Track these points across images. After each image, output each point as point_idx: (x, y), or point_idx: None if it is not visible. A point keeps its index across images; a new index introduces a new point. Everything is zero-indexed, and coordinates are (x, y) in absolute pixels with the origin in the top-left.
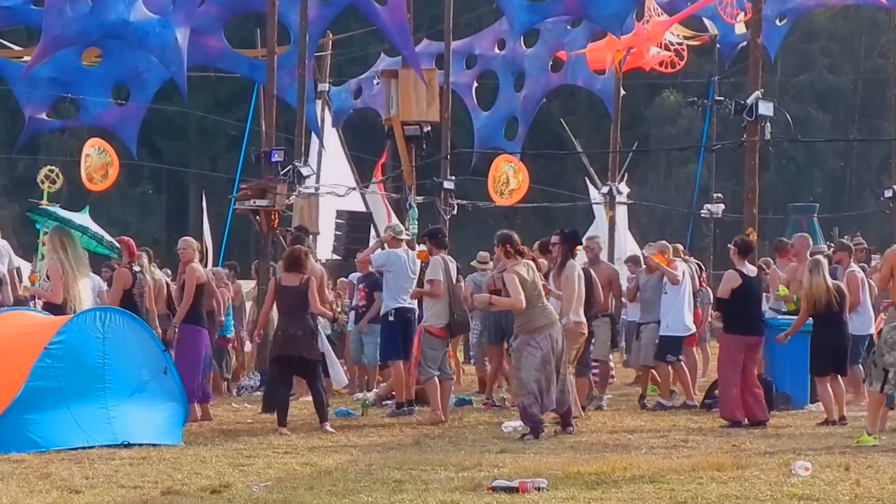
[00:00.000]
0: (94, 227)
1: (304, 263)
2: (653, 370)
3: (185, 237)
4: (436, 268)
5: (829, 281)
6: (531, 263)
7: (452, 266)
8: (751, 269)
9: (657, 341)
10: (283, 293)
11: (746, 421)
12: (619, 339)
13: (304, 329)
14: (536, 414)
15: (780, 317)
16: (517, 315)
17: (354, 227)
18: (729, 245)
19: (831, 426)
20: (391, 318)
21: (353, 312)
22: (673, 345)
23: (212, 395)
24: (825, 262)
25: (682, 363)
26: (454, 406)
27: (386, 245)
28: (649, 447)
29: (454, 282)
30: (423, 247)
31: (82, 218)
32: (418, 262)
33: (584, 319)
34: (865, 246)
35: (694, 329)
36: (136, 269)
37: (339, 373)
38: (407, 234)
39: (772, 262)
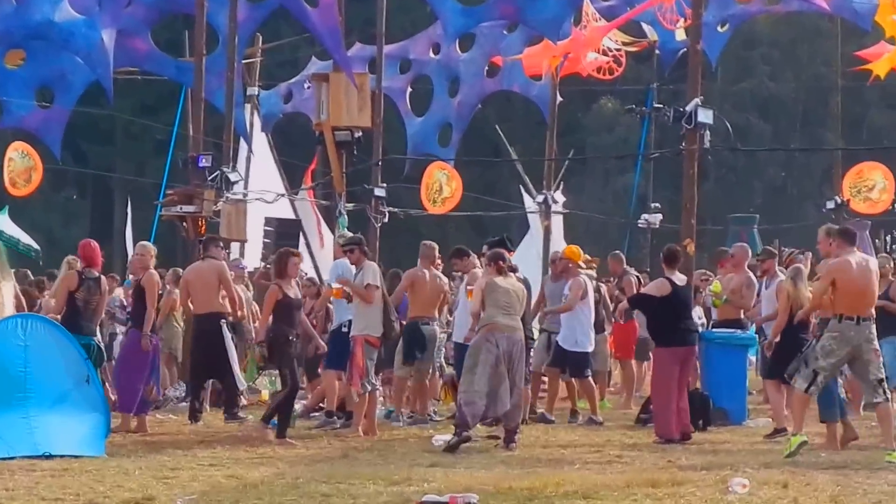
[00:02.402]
0: (11, 230)
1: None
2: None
3: (143, 242)
4: (375, 273)
5: (808, 289)
6: (511, 278)
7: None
8: (680, 278)
9: (565, 354)
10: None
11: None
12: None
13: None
14: (467, 416)
15: (714, 330)
16: (480, 317)
17: (283, 235)
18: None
19: (778, 436)
20: (345, 330)
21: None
22: (587, 360)
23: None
24: (805, 270)
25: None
26: (383, 418)
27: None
28: (583, 462)
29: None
30: (335, 284)
31: (1, 220)
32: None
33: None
34: (797, 252)
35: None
36: (91, 275)
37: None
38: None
39: (711, 274)
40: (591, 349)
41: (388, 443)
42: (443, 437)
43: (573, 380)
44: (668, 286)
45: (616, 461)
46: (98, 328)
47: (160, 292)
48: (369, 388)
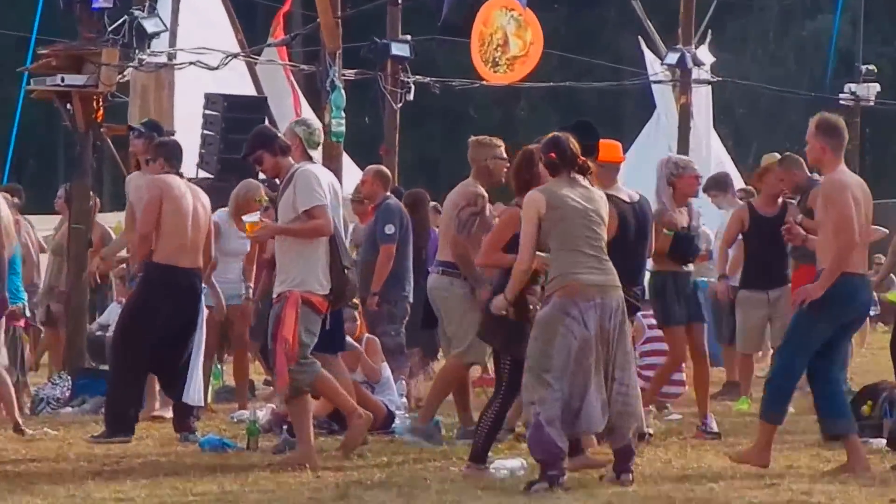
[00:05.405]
0: None
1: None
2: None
3: None
4: (309, 188)
5: None
6: (586, 186)
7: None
8: None
9: None
10: None
11: None
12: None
13: None
14: (555, 441)
15: None
16: (550, 265)
17: (236, 124)
18: None
19: None
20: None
21: None
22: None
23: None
24: None
25: None
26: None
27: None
28: None
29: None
30: (254, 217)
31: None
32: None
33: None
34: None
35: None
36: None
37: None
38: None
39: None
40: None
41: (417, 472)
42: (507, 464)
43: None
44: None
45: (804, 501)
46: None
47: None
48: (309, 376)
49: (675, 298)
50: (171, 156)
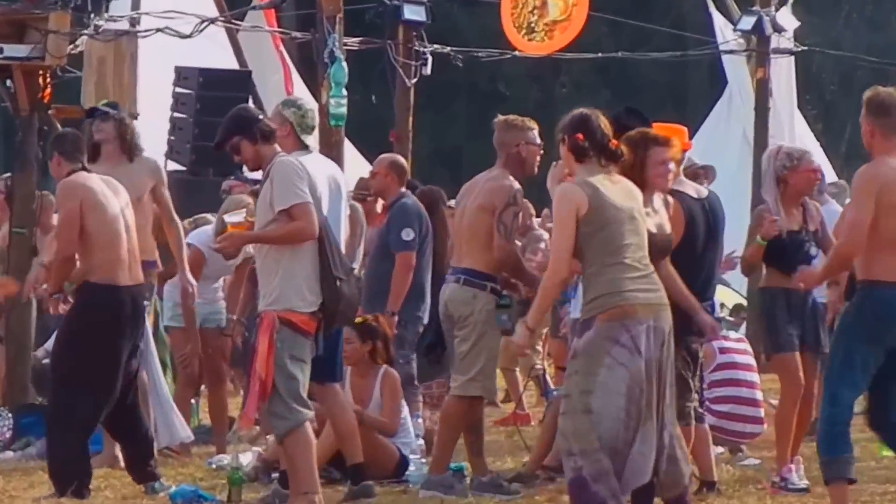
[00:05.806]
0: None
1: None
2: None
3: None
4: (287, 183)
5: None
6: (622, 179)
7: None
8: None
9: None
10: None
11: None
12: None
13: None
14: (605, 500)
15: None
16: (586, 281)
17: (214, 104)
18: None
19: None
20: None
21: None
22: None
23: None
24: None
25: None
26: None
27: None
28: None
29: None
30: (238, 216)
31: None
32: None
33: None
34: None
35: None
36: None
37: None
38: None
39: None
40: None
41: None
42: None
43: None
44: None
45: None
46: None
47: None
48: (289, 424)
49: (787, 320)
50: (69, 150)
